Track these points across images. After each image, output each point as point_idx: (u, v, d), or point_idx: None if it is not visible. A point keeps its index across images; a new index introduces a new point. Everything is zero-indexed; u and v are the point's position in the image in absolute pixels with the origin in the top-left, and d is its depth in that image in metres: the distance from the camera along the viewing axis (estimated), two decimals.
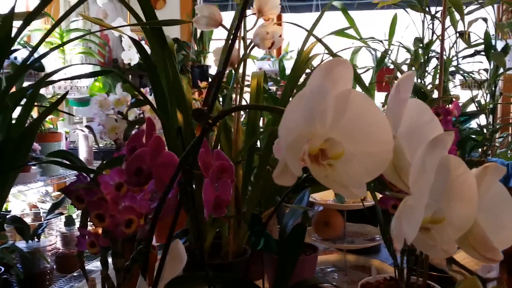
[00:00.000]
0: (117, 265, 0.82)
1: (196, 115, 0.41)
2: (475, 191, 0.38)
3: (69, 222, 1.96)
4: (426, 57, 1.57)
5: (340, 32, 1.73)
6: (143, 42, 2.36)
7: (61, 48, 2.14)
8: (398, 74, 1.67)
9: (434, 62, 1.68)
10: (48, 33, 0.74)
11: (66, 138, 2.14)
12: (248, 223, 1.03)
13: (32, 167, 1.88)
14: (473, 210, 0.38)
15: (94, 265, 1.89)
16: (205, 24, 1.03)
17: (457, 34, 1.59)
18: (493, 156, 1.74)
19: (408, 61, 1.68)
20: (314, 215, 1.51)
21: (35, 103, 1.29)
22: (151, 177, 0.60)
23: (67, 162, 0.90)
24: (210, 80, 2.42)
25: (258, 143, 1.35)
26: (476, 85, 1.68)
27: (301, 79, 1.20)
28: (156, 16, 1.00)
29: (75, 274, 1.80)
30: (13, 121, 0.81)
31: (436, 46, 1.64)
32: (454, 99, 1.35)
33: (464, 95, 2.06)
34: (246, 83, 1.15)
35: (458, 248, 1.04)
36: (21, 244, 1.71)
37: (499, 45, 1.74)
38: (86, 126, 1.22)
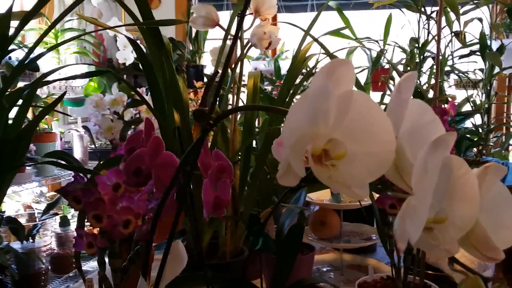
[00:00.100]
0: (114, 265, 0.81)
1: (197, 116, 0.41)
2: (477, 191, 0.38)
3: (64, 222, 1.95)
4: (421, 57, 1.57)
5: (336, 32, 1.73)
6: (138, 42, 2.35)
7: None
8: (394, 74, 1.68)
9: (429, 62, 1.69)
10: (45, 34, 0.73)
11: (61, 139, 2.13)
12: (245, 223, 1.03)
13: (27, 167, 1.87)
14: (475, 210, 0.38)
15: (89, 266, 1.88)
16: (202, 24, 1.03)
17: (453, 34, 1.60)
18: (487, 156, 1.75)
19: (403, 61, 1.68)
20: (310, 214, 1.51)
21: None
22: (150, 177, 0.60)
23: (63, 163, 0.89)
24: (206, 80, 2.42)
25: (254, 143, 1.35)
26: (471, 85, 1.69)
27: (298, 79, 1.20)
28: (153, 16, 1.00)
29: (70, 274, 1.79)
30: (9, 122, 0.81)
31: (431, 46, 1.65)
32: (450, 99, 1.35)
33: (458, 95, 2.07)
34: (242, 83, 1.15)
35: None
36: (16, 245, 1.70)
37: (494, 45, 1.74)
38: (83, 127, 1.22)
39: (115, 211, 0.75)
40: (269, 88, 2.41)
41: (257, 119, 1.46)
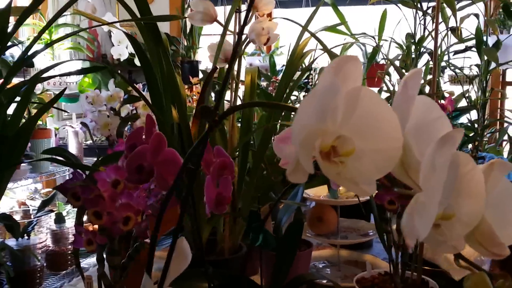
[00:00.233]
0: (113, 262, 0.81)
1: (203, 112, 0.40)
2: (483, 187, 0.38)
3: (59, 219, 1.95)
4: (417, 52, 1.58)
5: (332, 28, 1.73)
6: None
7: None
8: (390, 70, 1.69)
9: (424, 58, 1.69)
10: (43, 31, 0.73)
11: (56, 135, 2.12)
12: (245, 220, 1.03)
13: (22, 164, 1.86)
14: (481, 206, 0.38)
15: (86, 263, 1.87)
16: (200, 19, 1.03)
17: (449, 30, 1.60)
18: (482, 151, 1.76)
19: (400, 57, 1.69)
20: (306, 210, 1.51)
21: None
22: (153, 174, 0.60)
23: (62, 160, 0.89)
24: (202, 75, 2.41)
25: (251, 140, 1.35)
26: (468, 81, 1.70)
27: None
28: (150, 11, 1.00)
29: (66, 271, 1.79)
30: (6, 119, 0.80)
31: (426, 42, 1.65)
32: (448, 95, 1.36)
33: (451, 90, 2.07)
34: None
35: None
36: (11, 242, 1.69)
37: (490, 40, 1.75)
38: (81, 123, 1.21)
39: (115, 208, 0.75)
40: (264, 84, 2.41)
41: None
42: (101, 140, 2.35)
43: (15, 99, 0.83)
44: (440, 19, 1.63)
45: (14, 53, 2.04)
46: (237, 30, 1.06)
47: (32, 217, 2.00)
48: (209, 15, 1.02)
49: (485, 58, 1.64)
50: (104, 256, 0.83)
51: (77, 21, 2.61)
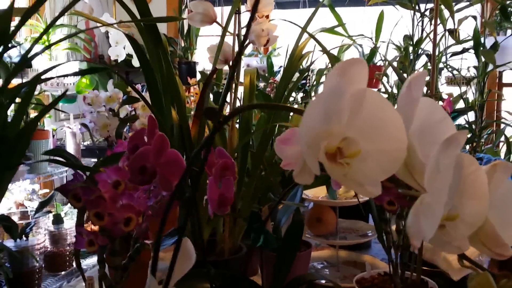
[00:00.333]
0: (114, 263, 0.81)
1: (208, 114, 0.41)
2: (487, 189, 0.39)
3: (57, 220, 1.94)
4: (415, 54, 1.59)
5: (329, 30, 1.73)
6: None
7: (47, 43, 2.11)
8: (388, 71, 1.69)
9: (422, 59, 1.70)
10: (44, 32, 0.73)
11: (53, 136, 2.12)
12: (244, 220, 1.03)
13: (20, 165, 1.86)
14: (484, 207, 0.39)
15: (85, 264, 1.87)
16: (199, 20, 1.03)
17: (446, 32, 1.61)
18: (480, 152, 1.77)
19: (397, 59, 1.69)
20: (305, 211, 1.52)
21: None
22: (155, 175, 0.60)
23: (62, 160, 0.89)
24: (199, 76, 2.41)
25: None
26: (465, 82, 1.71)
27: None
28: (150, 12, 1.00)
29: (64, 273, 1.79)
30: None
31: (424, 44, 1.66)
32: (447, 96, 1.37)
33: (449, 92, 2.08)
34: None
35: None
36: (9, 243, 1.69)
37: (487, 42, 1.76)
38: (82, 124, 1.21)
39: (116, 209, 0.75)
40: (261, 85, 2.41)
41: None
42: (98, 141, 2.35)
43: (15, 100, 0.83)
44: (438, 21, 1.64)
45: (10, 53, 2.03)
46: (236, 32, 1.06)
47: (30, 218, 1.99)
48: (208, 16, 1.02)
49: (483, 59, 1.65)
50: (104, 256, 0.83)
51: (74, 21, 2.60)
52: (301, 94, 2.18)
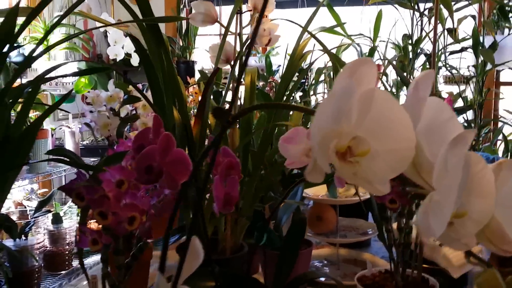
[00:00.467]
0: (118, 262, 0.82)
1: (217, 113, 0.41)
2: (493, 187, 0.39)
3: (56, 219, 1.94)
4: (415, 53, 1.59)
5: (328, 29, 1.74)
6: (128, 38, 2.34)
7: (46, 43, 2.11)
8: (387, 70, 1.70)
9: (421, 58, 1.71)
10: (47, 33, 0.73)
11: (52, 135, 2.11)
12: (248, 219, 1.04)
13: None
14: (491, 205, 0.39)
15: (85, 263, 1.87)
16: (201, 20, 1.03)
17: (445, 31, 1.62)
18: (478, 151, 1.78)
19: (396, 58, 1.70)
20: (304, 209, 1.52)
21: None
22: (162, 174, 0.60)
23: (65, 159, 0.89)
24: (199, 76, 2.42)
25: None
26: (464, 81, 1.71)
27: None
28: (152, 12, 1.00)
29: (65, 272, 1.79)
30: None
31: (423, 43, 1.67)
32: (447, 95, 1.37)
33: (448, 91, 2.09)
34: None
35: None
36: (9, 243, 1.69)
37: (485, 41, 1.77)
38: (85, 124, 1.21)
39: (120, 208, 0.76)
40: (260, 84, 2.41)
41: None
42: (97, 140, 2.35)
43: (18, 100, 0.83)
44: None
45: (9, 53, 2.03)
46: (238, 31, 1.07)
47: (29, 217, 1.99)
48: (210, 16, 1.03)
49: (481, 59, 1.66)
50: (107, 255, 0.83)
51: (73, 21, 2.60)
52: (299, 93, 2.19)
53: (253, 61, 2.79)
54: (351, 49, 2.50)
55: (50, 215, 1.97)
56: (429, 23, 1.65)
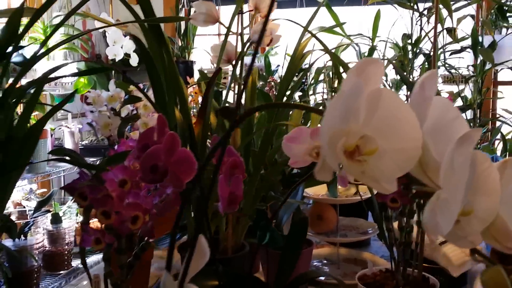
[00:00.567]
0: (120, 261, 0.82)
1: (224, 113, 0.41)
2: (499, 185, 0.40)
3: (55, 219, 1.94)
4: (414, 53, 1.60)
5: (328, 29, 1.74)
6: (127, 38, 2.33)
7: (41, 42, 2.10)
8: (387, 70, 1.71)
9: (421, 58, 1.72)
10: (51, 34, 0.73)
11: (51, 135, 2.11)
12: (250, 218, 1.04)
13: None
14: (496, 203, 0.40)
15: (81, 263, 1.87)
16: (202, 20, 1.04)
17: (444, 31, 1.62)
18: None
19: (396, 57, 1.71)
20: (304, 209, 1.53)
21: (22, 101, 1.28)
22: (167, 174, 0.60)
23: (68, 159, 0.89)
24: (198, 76, 2.42)
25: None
26: (463, 80, 1.72)
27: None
28: (154, 13, 1.00)
29: (65, 271, 1.79)
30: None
31: (423, 43, 1.67)
32: (447, 94, 1.38)
33: (446, 90, 2.10)
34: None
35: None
36: (8, 243, 1.69)
37: (484, 41, 1.78)
38: (87, 123, 1.21)
39: (123, 208, 0.76)
40: (259, 84, 2.41)
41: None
42: (97, 140, 2.35)
43: (21, 100, 0.83)
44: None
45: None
46: (239, 31, 1.07)
47: (28, 217, 1.99)
48: (211, 16, 1.03)
49: (480, 58, 1.67)
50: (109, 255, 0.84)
51: (71, 21, 2.60)
52: (298, 93, 2.20)
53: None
54: (350, 49, 2.51)
55: (49, 215, 1.97)
56: (428, 23, 1.66)
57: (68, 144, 2.01)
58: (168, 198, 0.79)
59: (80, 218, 2.09)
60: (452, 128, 0.41)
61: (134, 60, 2.32)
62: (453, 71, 1.81)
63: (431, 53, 1.53)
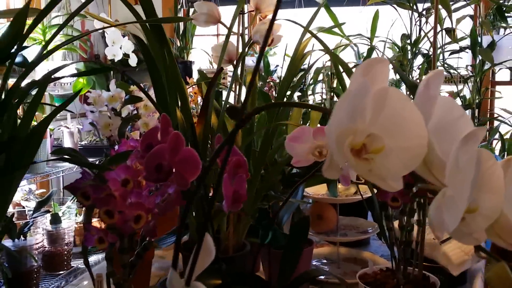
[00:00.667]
0: (123, 261, 0.82)
1: (231, 113, 0.42)
2: (503, 183, 0.40)
3: (55, 220, 1.94)
4: (414, 53, 1.61)
5: (327, 30, 1.75)
6: (126, 38, 2.34)
7: (44, 43, 2.11)
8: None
9: (420, 58, 1.72)
10: (55, 34, 0.74)
11: (50, 135, 2.11)
12: (251, 218, 1.04)
13: None
14: (500, 201, 0.40)
15: (81, 263, 1.87)
16: (204, 21, 1.04)
17: (443, 31, 1.63)
18: None
19: (395, 57, 1.71)
20: (304, 208, 1.53)
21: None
22: (171, 173, 0.61)
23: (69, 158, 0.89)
24: (198, 76, 2.42)
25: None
26: (462, 80, 1.73)
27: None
28: (156, 13, 1.01)
29: (65, 272, 1.79)
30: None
31: (422, 44, 1.68)
32: (448, 94, 1.39)
33: (447, 90, 2.11)
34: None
35: (449, 239, 1.07)
36: (8, 243, 1.69)
37: (482, 41, 1.79)
38: (90, 123, 1.22)
39: (126, 207, 0.76)
40: (258, 84, 2.41)
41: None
42: (96, 140, 2.35)
43: (23, 100, 0.83)
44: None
45: None
46: (240, 32, 1.08)
47: (27, 217, 1.99)
48: (213, 16, 1.04)
49: (479, 58, 1.68)
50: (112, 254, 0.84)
51: (70, 21, 2.60)
52: (297, 93, 2.20)
53: (250, 61, 2.80)
54: (348, 49, 2.52)
55: (48, 216, 1.97)
56: (427, 23, 1.67)
57: (68, 144, 2.01)
58: (170, 197, 0.79)
59: (80, 219, 2.09)
60: (457, 126, 0.41)
61: (133, 61, 2.32)
62: (452, 71, 1.82)
63: (430, 53, 1.54)
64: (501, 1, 1.87)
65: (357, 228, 1.43)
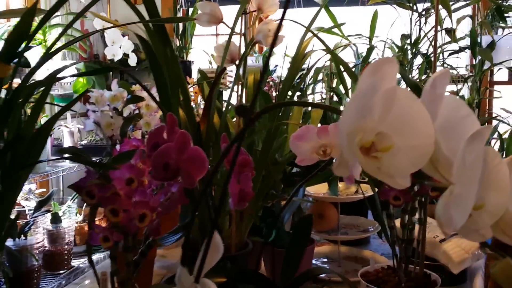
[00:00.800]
0: (127, 259, 0.83)
1: (240, 111, 0.42)
2: (508, 180, 0.41)
3: (55, 219, 1.95)
4: (414, 53, 1.62)
5: (327, 30, 1.76)
6: (125, 38, 2.34)
7: (44, 43, 2.11)
8: None
9: (420, 58, 1.73)
10: (61, 35, 0.74)
11: (51, 135, 2.12)
12: (253, 217, 1.05)
13: None
14: (506, 198, 0.41)
15: (82, 262, 1.88)
16: (206, 21, 1.05)
17: (443, 31, 1.64)
18: None
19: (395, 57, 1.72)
20: (305, 207, 1.54)
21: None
22: (178, 172, 0.61)
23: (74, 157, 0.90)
24: (199, 75, 2.43)
25: None
26: (462, 80, 1.74)
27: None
28: (158, 13, 1.01)
29: (66, 271, 1.80)
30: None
31: (421, 44, 1.69)
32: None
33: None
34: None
35: (449, 237, 1.08)
36: (8, 242, 1.69)
37: (481, 41, 1.80)
38: (94, 122, 1.22)
39: (131, 206, 0.77)
40: None
41: None
42: (95, 140, 2.36)
43: (29, 100, 0.84)
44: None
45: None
46: (242, 32, 1.08)
47: (28, 217, 1.99)
48: (215, 16, 1.04)
49: (479, 58, 1.69)
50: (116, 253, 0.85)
51: (70, 21, 2.60)
52: (298, 93, 2.21)
53: (250, 61, 2.80)
54: (348, 49, 2.53)
55: (49, 215, 1.97)
56: (426, 23, 1.68)
57: (68, 143, 2.02)
58: (173, 196, 0.80)
59: (80, 218, 2.10)
60: (463, 125, 0.42)
61: (132, 60, 2.33)
62: (451, 71, 1.83)
63: (430, 53, 1.55)
64: (500, 1, 1.88)
65: (357, 227, 1.44)
